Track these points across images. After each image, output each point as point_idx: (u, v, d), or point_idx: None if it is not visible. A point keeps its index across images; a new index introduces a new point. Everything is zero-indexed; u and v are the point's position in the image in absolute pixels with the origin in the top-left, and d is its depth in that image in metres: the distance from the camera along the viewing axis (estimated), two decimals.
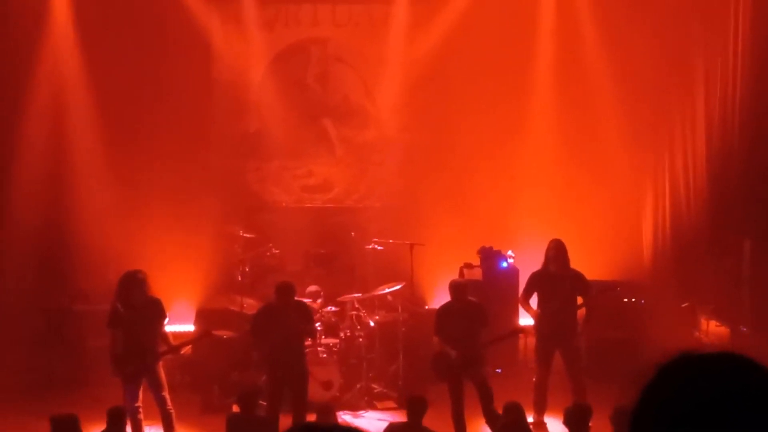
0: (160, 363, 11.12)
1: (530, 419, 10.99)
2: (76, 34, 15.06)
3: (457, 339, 11.09)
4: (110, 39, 14.93)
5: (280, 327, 10.97)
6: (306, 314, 11.38)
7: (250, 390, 10.38)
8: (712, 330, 14.28)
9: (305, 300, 12.64)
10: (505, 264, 14.28)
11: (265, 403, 10.98)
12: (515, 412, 9.50)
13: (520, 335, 13.21)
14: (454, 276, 13.02)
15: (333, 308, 13.32)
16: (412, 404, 9.61)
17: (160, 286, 12.10)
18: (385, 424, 10.73)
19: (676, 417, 1.80)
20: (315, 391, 12.08)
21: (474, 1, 15.42)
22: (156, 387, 11.05)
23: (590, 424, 9.17)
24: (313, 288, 13.54)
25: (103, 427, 9.69)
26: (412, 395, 9.91)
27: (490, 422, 10.98)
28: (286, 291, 11.11)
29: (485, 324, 11.23)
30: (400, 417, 11.77)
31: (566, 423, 9.08)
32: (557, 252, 11.96)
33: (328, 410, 10.20)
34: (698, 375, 1.84)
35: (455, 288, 11.43)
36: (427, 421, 10.54)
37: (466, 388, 11.18)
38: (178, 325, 13.94)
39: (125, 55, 14.92)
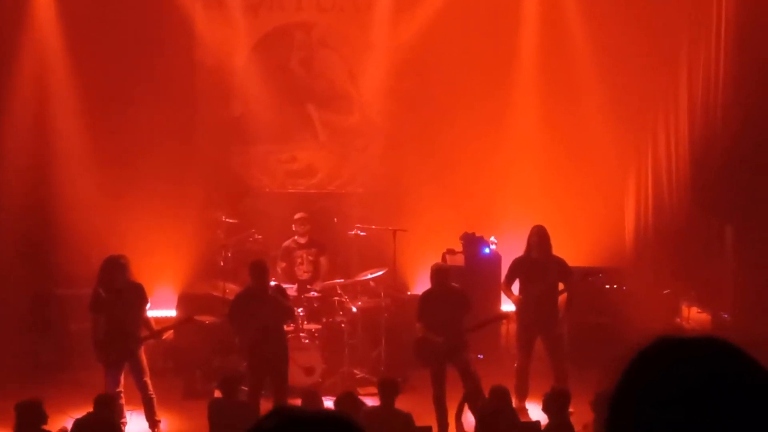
0: (142, 348, 11.13)
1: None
2: (58, 19, 14.98)
3: (440, 325, 11.10)
4: (93, 24, 14.87)
5: (260, 312, 10.98)
6: (282, 294, 11.40)
7: (232, 375, 10.38)
8: (694, 316, 14.35)
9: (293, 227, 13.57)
10: (487, 250, 14.30)
11: (246, 389, 10.98)
12: (501, 397, 9.52)
13: (503, 321, 13.23)
14: (435, 262, 13.01)
15: (315, 293, 13.34)
16: (384, 387, 9.74)
17: (142, 271, 12.09)
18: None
19: (656, 401, 1.80)
20: (297, 377, 12.09)
21: None
22: (138, 372, 11.05)
23: (571, 409, 9.20)
24: (300, 215, 13.79)
25: (86, 410, 9.67)
26: (383, 378, 10.07)
27: (473, 407, 11.00)
28: (261, 272, 11.09)
29: (468, 310, 11.25)
30: None
31: (545, 409, 9.10)
32: (539, 238, 11.98)
33: (313, 396, 10.20)
34: (678, 359, 1.83)
35: (436, 272, 11.43)
36: (408, 406, 10.59)
37: (448, 373, 11.19)
38: (161, 310, 13.94)
39: (108, 40, 14.86)
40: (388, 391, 9.67)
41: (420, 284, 13.81)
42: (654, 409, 1.80)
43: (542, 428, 9.38)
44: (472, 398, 10.85)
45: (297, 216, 13.88)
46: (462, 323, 11.18)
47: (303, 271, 13.84)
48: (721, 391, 1.77)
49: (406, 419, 9.60)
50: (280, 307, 11.16)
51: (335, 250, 14.53)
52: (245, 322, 11.12)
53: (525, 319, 12.03)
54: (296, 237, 13.84)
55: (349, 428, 1.85)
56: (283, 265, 13.78)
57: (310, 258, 13.81)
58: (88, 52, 14.85)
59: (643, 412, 1.81)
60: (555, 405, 8.92)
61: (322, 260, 13.90)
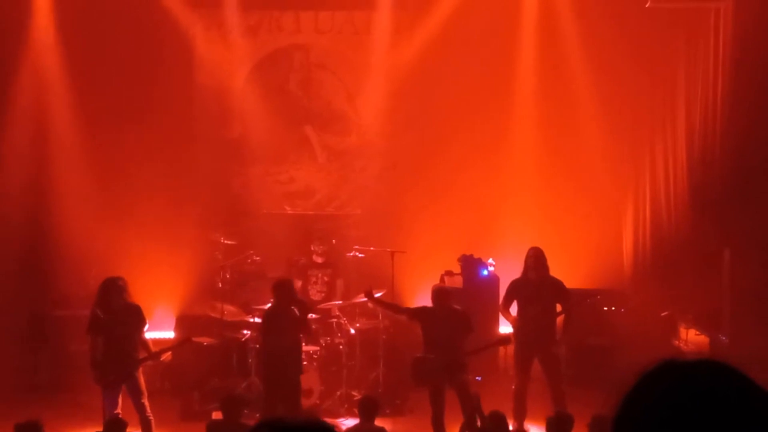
0: (140, 369, 11.09)
1: (510, 427, 10.97)
2: (58, 40, 15.03)
3: (440, 345, 11.09)
4: (93, 44, 14.92)
5: (282, 331, 11.04)
6: (303, 309, 11.48)
7: (234, 396, 10.38)
8: (692, 339, 14.33)
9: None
10: (485, 272, 14.30)
11: (247, 411, 10.93)
12: (497, 421, 9.51)
13: (503, 345, 13.16)
14: (435, 283, 13.01)
15: (314, 315, 13.32)
16: (363, 405, 9.87)
17: (140, 292, 12.06)
18: None
19: (657, 422, 1.81)
20: None
21: (457, 9, 15.42)
22: (135, 393, 11.01)
23: None
24: (319, 235, 13.92)
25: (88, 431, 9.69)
26: (364, 396, 10.14)
27: (470, 430, 10.97)
28: (283, 290, 11.19)
29: (469, 332, 11.22)
30: (380, 423, 11.77)
31: (549, 431, 9.12)
32: (536, 260, 11.97)
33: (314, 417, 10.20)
34: (681, 381, 1.84)
35: (438, 293, 11.44)
36: (407, 427, 10.61)
37: (447, 395, 11.18)
38: (159, 331, 13.92)
39: (108, 60, 14.91)
40: (367, 409, 9.79)
41: (418, 305, 13.77)
42: (651, 430, 1.81)
43: None
44: (470, 421, 10.83)
45: (316, 235, 13.97)
46: (462, 345, 11.17)
47: (317, 291, 13.86)
48: (723, 414, 1.79)
49: None
50: (297, 322, 11.23)
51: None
52: (268, 340, 11.24)
53: (522, 341, 12.00)
54: (313, 256, 13.89)
55: None
56: (299, 283, 13.78)
57: (326, 279, 13.82)
58: (87, 73, 14.90)
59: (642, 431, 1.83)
60: (559, 428, 8.91)
61: (339, 282, 13.91)
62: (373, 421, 9.79)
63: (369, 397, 10.25)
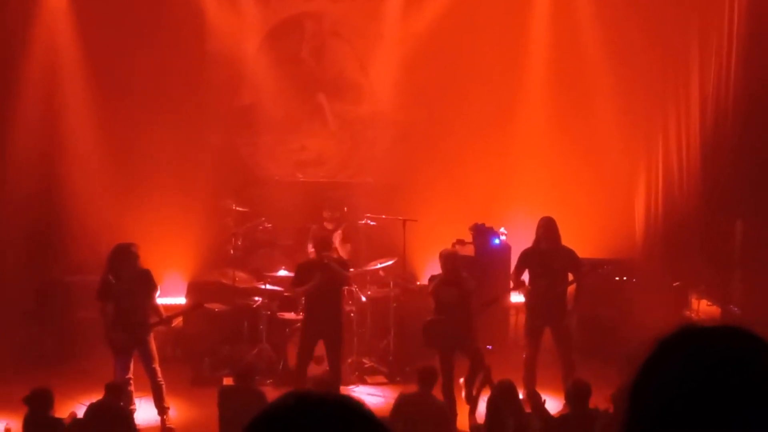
0: (152, 335, 11.14)
1: (520, 396, 11.00)
2: (70, 7, 14.98)
3: (451, 309, 11.15)
4: (104, 13, 14.84)
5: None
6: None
7: (245, 363, 10.43)
8: (703, 309, 14.32)
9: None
10: (497, 241, 14.29)
11: (258, 378, 10.96)
12: (507, 390, 9.54)
13: (511, 292, 13.20)
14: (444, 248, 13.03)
15: None
16: (423, 375, 9.79)
17: (152, 259, 12.09)
18: (375, 399, 10.97)
19: (677, 390, 1.79)
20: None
21: None
22: (147, 359, 11.06)
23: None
24: (330, 202, 14.06)
25: (96, 397, 9.74)
26: (423, 366, 10.04)
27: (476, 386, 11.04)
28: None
29: (473, 292, 11.36)
30: (390, 392, 11.84)
31: (567, 400, 9.22)
32: (547, 229, 11.95)
33: (324, 384, 10.20)
34: (699, 348, 1.83)
35: (447, 258, 11.48)
36: None
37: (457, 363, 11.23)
38: (170, 297, 13.95)
39: (119, 29, 14.82)
40: (427, 379, 9.75)
41: (429, 274, 13.79)
42: (675, 398, 1.79)
43: (563, 417, 9.42)
44: (473, 379, 10.92)
45: (328, 203, 13.98)
46: (471, 307, 11.25)
47: None
48: (743, 380, 1.77)
49: (442, 408, 9.73)
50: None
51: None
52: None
53: (533, 310, 12.02)
54: (324, 223, 13.89)
55: (359, 409, 1.90)
56: (311, 249, 13.84)
57: (335, 245, 13.85)
58: (98, 41, 14.83)
59: (663, 400, 1.81)
60: (578, 397, 8.97)
61: (347, 247, 13.91)
62: (431, 390, 9.79)
63: (429, 367, 10.13)
